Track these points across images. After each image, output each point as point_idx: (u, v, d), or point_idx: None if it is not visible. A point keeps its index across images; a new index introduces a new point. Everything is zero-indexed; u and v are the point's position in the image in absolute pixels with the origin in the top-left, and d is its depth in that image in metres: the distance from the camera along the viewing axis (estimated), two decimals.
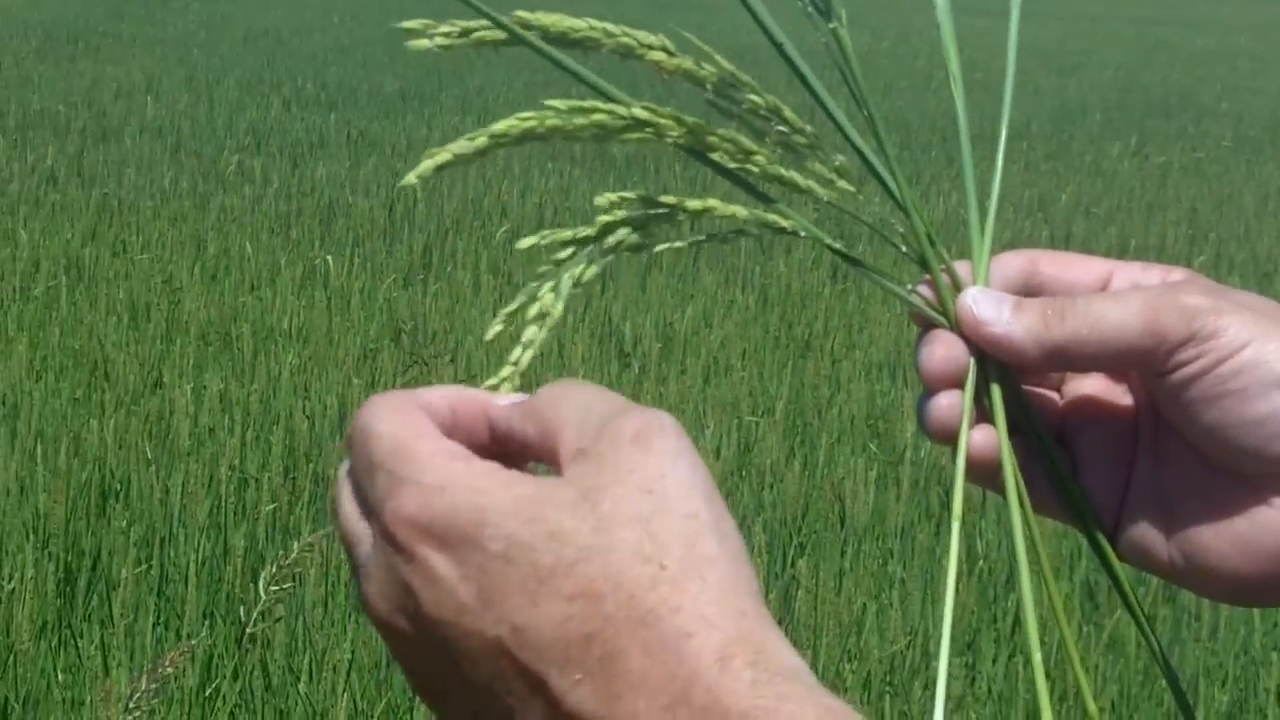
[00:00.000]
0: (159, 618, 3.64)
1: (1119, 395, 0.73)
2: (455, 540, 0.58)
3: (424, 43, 0.66)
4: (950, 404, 0.70)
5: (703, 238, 0.70)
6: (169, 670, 2.82)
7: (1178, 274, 0.71)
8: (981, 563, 4.10)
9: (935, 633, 3.71)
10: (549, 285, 0.66)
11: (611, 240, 0.67)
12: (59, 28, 16.68)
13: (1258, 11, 35.33)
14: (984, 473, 0.71)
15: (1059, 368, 0.71)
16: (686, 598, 0.55)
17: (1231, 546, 0.68)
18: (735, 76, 0.69)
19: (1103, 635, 3.72)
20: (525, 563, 0.56)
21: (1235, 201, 10.27)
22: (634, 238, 0.67)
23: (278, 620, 3.44)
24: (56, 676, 3.36)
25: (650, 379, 5.48)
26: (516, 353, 0.66)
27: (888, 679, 3.57)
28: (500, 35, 0.67)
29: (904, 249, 0.72)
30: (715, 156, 0.68)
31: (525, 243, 0.67)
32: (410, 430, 0.61)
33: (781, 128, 0.69)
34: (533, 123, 0.66)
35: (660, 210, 0.67)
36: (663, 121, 0.67)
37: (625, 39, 0.68)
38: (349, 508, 0.62)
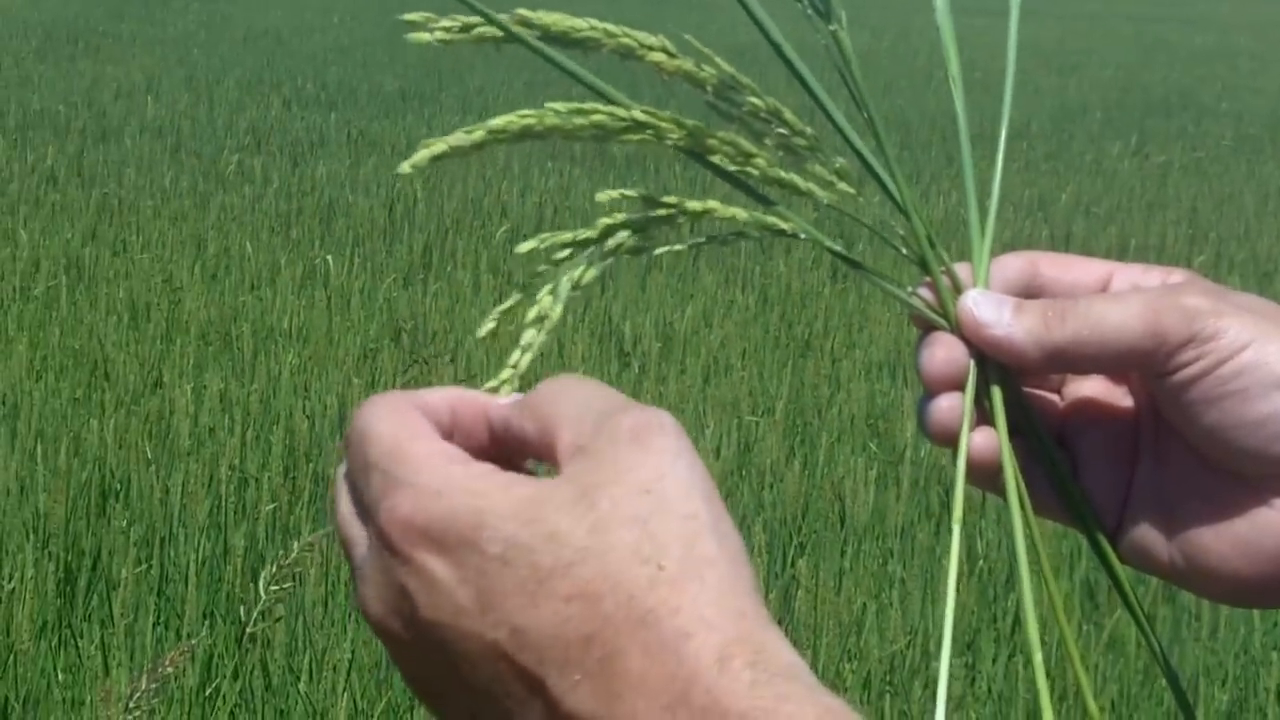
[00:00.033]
0: (159, 617, 3.64)
1: (1119, 397, 0.73)
2: (453, 543, 0.57)
3: (425, 36, 0.66)
4: (951, 406, 0.70)
5: (703, 240, 0.70)
6: (169, 670, 2.82)
7: (1178, 275, 0.71)
8: (981, 562, 4.11)
9: (935, 632, 3.71)
10: (547, 288, 0.66)
11: (611, 243, 0.67)
12: (59, 28, 16.68)
13: (1257, 10, 35.34)
14: (985, 475, 0.71)
15: (1060, 369, 0.71)
16: (685, 598, 0.55)
17: (1232, 548, 0.68)
18: (735, 79, 0.69)
19: (1103, 635, 3.72)
20: (524, 564, 0.56)
21: (1235, 201, 10.27)
22: (634, 240, 0.67)
23: (278, 620, 3.44)
24: (56, 676, 3.36)
25: (650, 379, 5.48)
26: (515, 355, 0.66)
27: (888, 678, 3.57)
28: (501, 32, 0.67)
29: (904, 251, 0.72)
30: (715, 159, 0.68)
31: (525, 246, 0.66)
32: (407, 432, 0.60)
33: (782, 130, 0.69)
34: (531, 121, 0.66)
35: (660, 211, 0.67)
36: (662, 124, 0.67)
37: (626, 40, 0.67)
38: (346, 509, 0.62)
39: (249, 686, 3.36)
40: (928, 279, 0.71)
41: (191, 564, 3.76)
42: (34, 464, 4.25)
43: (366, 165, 9.44)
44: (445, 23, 0.66)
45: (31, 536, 3.87)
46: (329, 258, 6.84)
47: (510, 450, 0.63)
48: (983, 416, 0.71)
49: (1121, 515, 0.72)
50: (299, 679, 3.35)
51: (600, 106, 0.66)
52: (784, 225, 0.69)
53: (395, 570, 0.59)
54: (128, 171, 8.73)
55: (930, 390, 0.71)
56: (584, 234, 0.67)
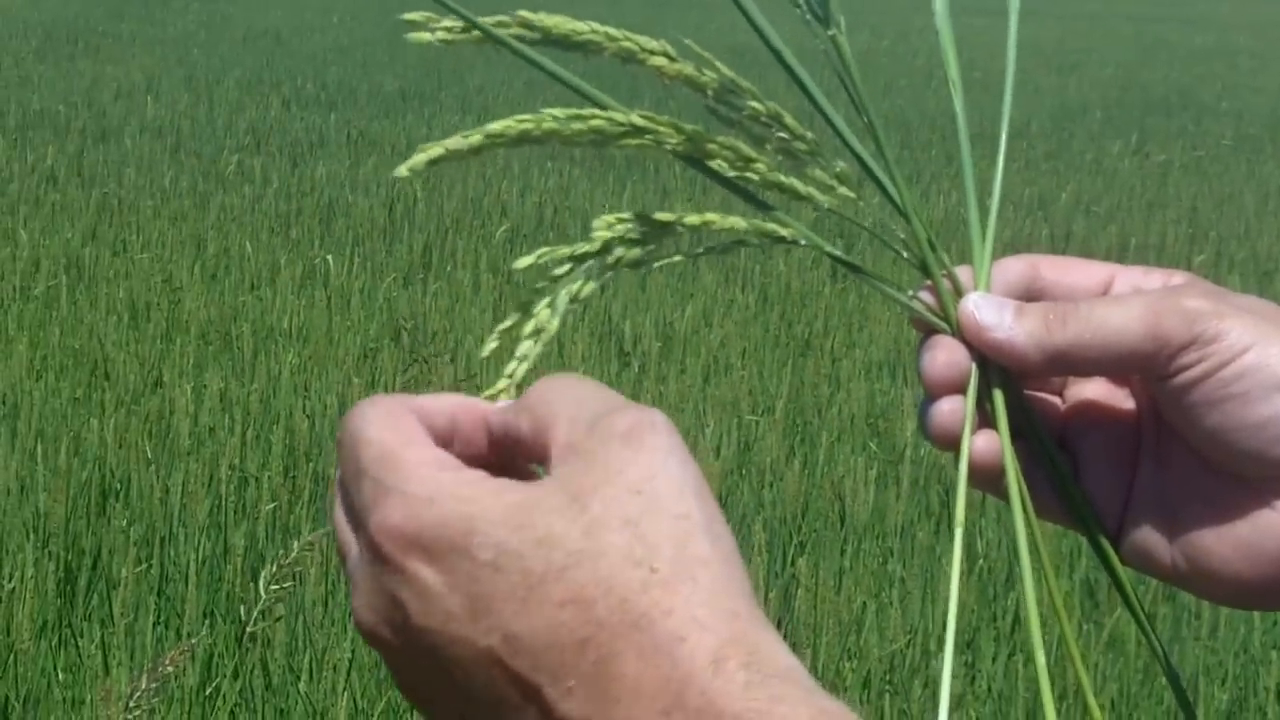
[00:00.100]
0: (159, 617, 3.64)
1: (1121, 399, 0.73)
2: (443, 551, 0.57)
3: (425, 36, 0.66)
4: (953, 409, 0.70)
5: (702, 250, 0.70)
6: (169, 669, 2.82)
7: (1179, 278, 0.71)
8: (981, 562, 4.11)
9: (935, 631, 3.72)
10: (545, 301, 0.66)
11: (611, 257, 0.67)
12: (59, 28, 16.68)
13: (1257, 9, 35.33)
14: (986, 478, 0.71)
15: (1061, 372, 0.71)
16: (678, 600, 0.55)
17: (1234, 550, 0.68)
18: (736, 83, 0.69)
19: (1103, 634, 3.72)
20: (515, 570, 0.56)
21: (1235, 200, 10.26)
22: (634, 253, 0.67)
23: (278, 619, 3.44)
24: (57, 676, 3.36)
25: (650, 378, 5.48)
26: (512, 365, 0.66)
27: (887, 678, 3.57)
28: (502, 33, 0.67)
29: (905, 254, 0.72)
30: (714, 164, 0.68)
31: (523, 262, 0.66)
32: (401, 437, 0.60)
33: (782, 134, 0.69)
34: (529, 125, 0.66)
35: (659, 226, 0.67)
36: (661, 129, 0.67)
37: (627, 44, 0.67)
38: (340, 515, 0.62)
39: (249, 686, 3.36)
40: (928, 282, 0.71)
41: (191, 563, 3.76)
42: (34, 463, 4.25)
43: (366, 165, 9.44)
44: (446, 23, 0.66)
45: (32, 536, 3.87)
46: (329, 257, 6.84)
47: (509, 454, 0.63)
48: (984, 419, 0.71)
49: (1123, 518, 0.72)
50: (299, 678, 3.35)
51: (599, 111, 0.66)
52: (784, 231, 0.69)
53: (386, 579, 0.58)
54: (128, 171, 8.73)
55: (932, 393, 0.71)
56: (583, 248, 0.67)
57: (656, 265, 0.68)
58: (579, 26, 0.67)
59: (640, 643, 0.54)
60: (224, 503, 4.15)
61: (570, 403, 0.60)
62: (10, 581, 3.58)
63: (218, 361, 5.39)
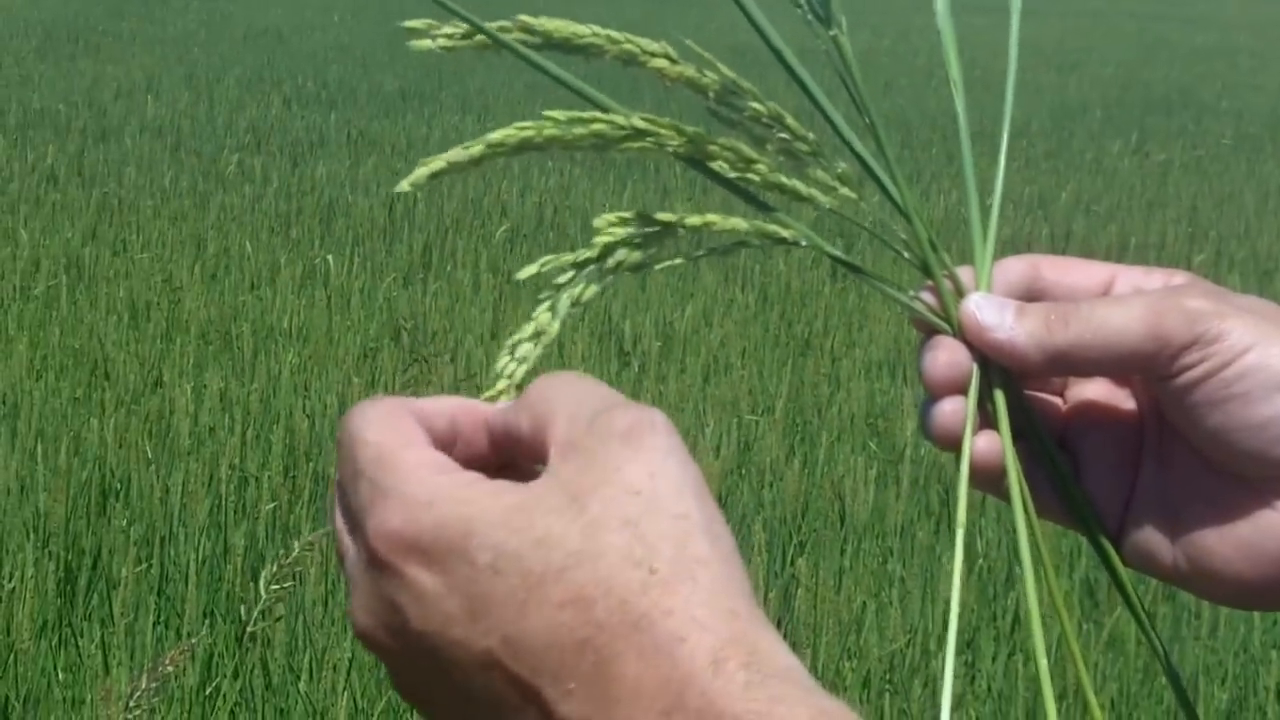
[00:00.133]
0: (159, 617, 3.64)
1: (1122, 400, 0.73)
2: (442, 554, 0.57)
3: (426, 43, 0.66)
4: (954, 410, 0.70)
5: (703, 252, 0.70)
6: (169, 669, 2.82)
7: (1180, 278, 0.71)
8: (981, 561, 4.11)
9: (935, 631, 3.72)
10: (546, 304, 0.66)
11: (612, 261, 0.67)
12: (59, 27, 16.68)
13: (1258, 9, 35.33)
14: (988, 478, 0.71)
15: (1063, 373, 0.71)
16: (678, 600, 0.55)
17: (1236, 550, 0.68)
18: (737, 84, 0.69)
19: (1102, 633, 3.72)
20: (514, 572, 0.56)
21: (1235, 199, 10.27)
22: (635, 256, 0.67)
23: (278, 619, 3.44)
24: (57, 675, 3.36)
25: (650, 378, 5.48)
26: (511, 367, 0.66)
27: (887, 677, 3.57)
28: (503, 38, 0.66)
29: (906, 255, 0.71)
30: (715, 165, 0.68)
31: (526, 272, 0.66)
32: (399, 439, 0.60)
33: (783, 135, 0.69)
34: (530, 132, 0.65)
35: (659, 228, 0.67)
36: (662, 131, 0.67)
37: (628, 46, 0.67)
38: (337, 517, 0.62)
39: (249, 686, 3.36)
40: (930, 283, 0.71)
41: (191, 563, 3.76)
42: (34, 463, 4.25)
43: (366, 165, 9.44)
44: (448, 29, 0.66)
45: (32, 536, 3.87)
46: (329, 257, 6.84)
47: (511, 454, 0.62)
48: (985, 420, 0.71)
49: (1124, 518, 0.72)
50: (299, 678, 3.35)
51: (599, 115, 0.66)
52: (785, 233, 0.69)
53: (384, 582, 0.58)
54: (128, 171, 8.73)
55: (933, 394, 0.70)
56: (584, 254, 0.66)
57: (658, 267, 0.68)
58: (580, 30, 0.67)
59: (640, 643, 0.54)
60: (224, 502, 4.15)
61: (570, 400, 0.60)
62: (10, 581, 3.58)
63: (218, 361, 5.39)
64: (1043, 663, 0.68)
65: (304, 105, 12.10)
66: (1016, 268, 0.72)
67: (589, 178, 9.36)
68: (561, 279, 0.66)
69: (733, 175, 0.68)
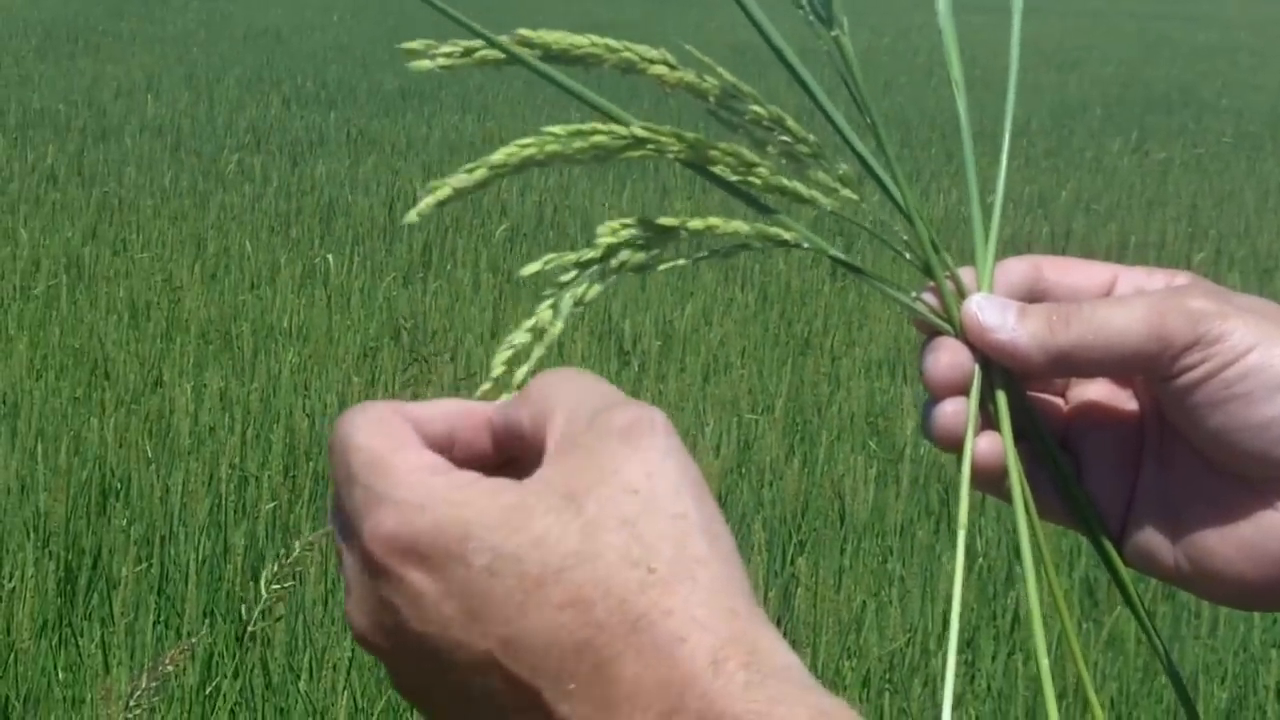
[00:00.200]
0: (159, 616, 3.64)
1: (1124, 400, 0.73)
2: (439, 558, 0.57)
3: (425, 64, 0.66)
4: (955, 411, 0.70)
5: (705, 254, 0.70)
6: (169, 668, 2.82)
7: (1182, 278, 0.71)
8: (981, 560, 4.11)
9: (934, 630, 3.72)
10: (547, 303, 0.66)
11: (615, 262, 0.67)
12: (59, 26, 16.68)
13: (1259, 7, 35.33)
14: (989, 479, 0.71)
15: (1064, 373, 0.71)
16: (677, 600, 0.55)
17: (1237, 551, 0.68)
18: (738, 88, 0.69)
19: (1102, 632, 3.72)
20: (511, 575, 0.55)
21: (1236, 198, 10.26)
22: (638, 257, 0.67)
23: (278, 619, 3.44)
24: (57, 675, 3.36)
25: (650, 377, 5.48)
26: (506, 363, 0.65)
27: (887, 676, 3.57)
28: (501, 54, 0.66)
29: (908, 256, 0.71)
30: (717, 169, 0.68)
31: (530, 269, 0.66)
32: (391, 442, 0.59)
33: (784, 138, 0.69)
34: (532, 150, 0.65)
35: (662, 232, 0.67)
36: (663, 139, 0.67)
37: (627, 54, 0.67)
38: (333, 521, 0.62)
39: (249, 685, 3.36)
40: (931, 284, 0.71)
41: (192, 563, 3.76)
42: (34, 463, 4.25)
43: (366, 164, 9.44)
44: (446, 48, 0.66)
45: (32, 535, 3.87)
46: (329, 256, 6.84)
47: (513, 450, 0.62)
48: (987, 421, 0.71)
49: (1126, 519, 0.72)
50: (299, 678, 3.35)
51: (600, 126, 0.66)
52: (786, 235, 0.69)
53: (380, 587, 0.58)
54: (128, 170, 8.73)
55: (935, 395, 0.70)
56: (588, 255, 0.66)
57: (660, 268, 0.68)
58: (578, 40, 0.67)
59: (639, 644, 0.54)
60: (224, 502, 4.15)
61: (570, 396, 0.60)
62: (10, 581, 3.58)
63: (218, 361, 5.39)
64: (1044, 662, 0.68)
65: (304, 105, 12.09)
66: (1018, 269, 0.72)
67: (589, 177, 9.36)
68: (564, 278, 0.66)
69: (734, 179, 0.69)
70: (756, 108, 0.69)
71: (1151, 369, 0.68)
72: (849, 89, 0.71)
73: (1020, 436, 0.71)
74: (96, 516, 4.06)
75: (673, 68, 0.68)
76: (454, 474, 0.59)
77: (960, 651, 3.67)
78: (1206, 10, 33.53)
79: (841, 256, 0.70)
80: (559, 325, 0.66)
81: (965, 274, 0.72)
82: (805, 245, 0.69)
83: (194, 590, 3.58)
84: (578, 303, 0.66)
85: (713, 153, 0.68)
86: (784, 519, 4.34)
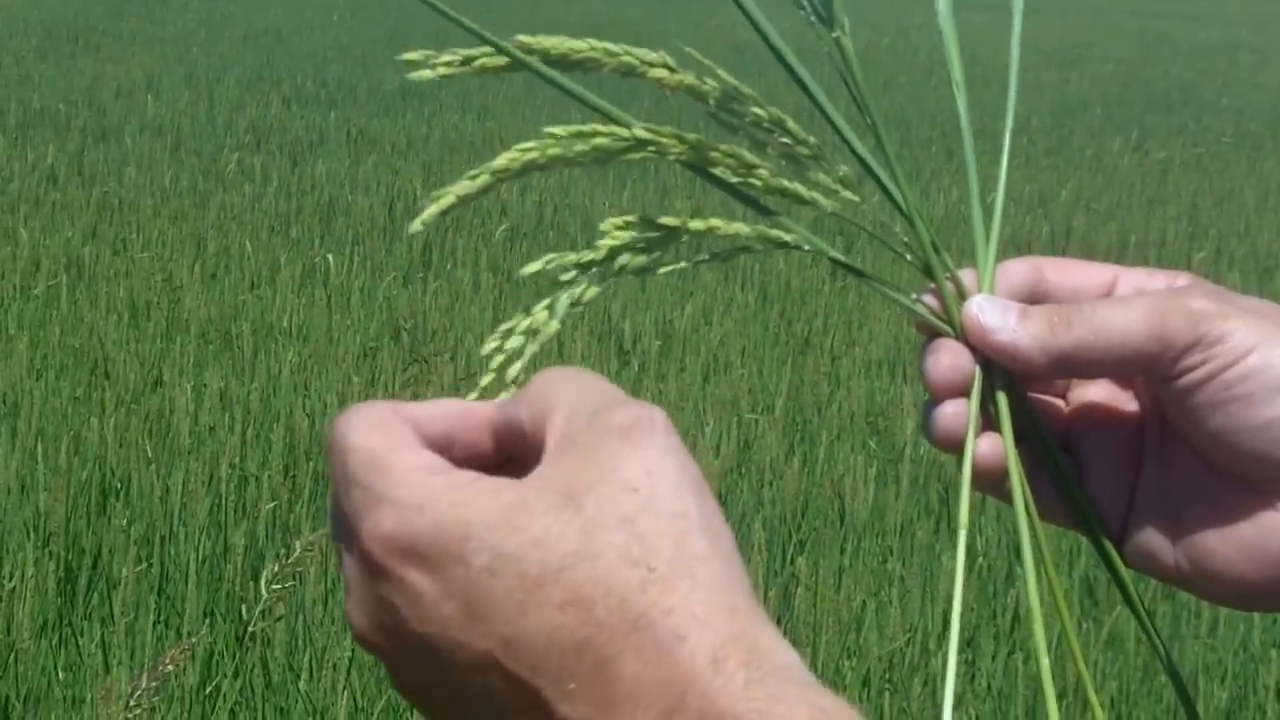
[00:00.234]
0: (159, 616, 3.64)
1: (1124, 401, 0.73)
2: (439, 558, 0.56)
3: (426, 74, 0.66)
4: (956, 412, 0.70)
5: (705, 257, 0.70)
6: (169, 668, 2.82)
7: (1183, 279, 0.71)
8: (981, 559, 4.11)
9: (934, 630, 3.72)
10: (544, 303, 0.66)
11: (617, 265, 0.67)
12: (59, 26, 16.68)
13: (1259, 6, 35.32)
14: (990, 480, 0.71)
15: (1065, 375, 0.71)
16: (677, 598, 0.55)
17: (1238, 552, 0.68)
18: (738, 90, 0.69)
19: (1102, 632, 3.72)
20: (511, 574, 0.55)
21: (1236, 197, 10.26)
22: (639, 260, 0.67)
23: (278, 619, 3.44)
24: (57, 675, 3.36)
25: (650, 377, 5.48)
26: (503, 363, 0.66)
27: (887, 676, 3.57)
28: (502, 61, 0.66)
29: (909, 257, 0.71)
30: (717, 171, 0.68)
31: (530, 269, 0.66)
32: (389, 442, 0.59)
33: (785, 139, 0.69)
34: (534, 154, 0.66)
35: (664, 233, 0.67)
36: (664, 140, 0.67)
37: (626, 58, 0.67)
38: (332, 524, 0.62)
39: (249, 685, 3.36)
40: (932, 285, 0.71)
41: (192, 563, 3.76)
42: (34, 463, 4.25)
43: (366, 164, 9.44)
44: (446, 57, 0.66)
45: (32, 535, 3.87)
46: (329, 256, 6.84)
47: (513, 449, 0.62)
48: (988, 422, 0.71)
49: (1126, 520, 0.72)
50: (299, 677, 3.35)
51: (600, 129, 0.66)
52: (787, 237, 0.69)
53: (380, 587, 0.58)
54: (128, 170, 8.73)
55: (935, 396, 0.70)
56: (589, 256, 0.67)
57: (661, 271, 0.68)
58: (576, 45, 0.67)
59: (640, 643, 0.54)
60: (224, 502, 4.15)
61: (571, 395, 0.60)
62: (10, 581, 3.58)
63: (218, 360, 5.39)
64: (1044, 661, 0.68)
65: (303, 104, 12.09)
66: (1019, 270, 0.72)
67: (589, 177, 9.35)
68: (564, 278, 0.66)
69: (735, 180, 0.69)
70: (757, 110, 0.69)
71: (1152, 370, 0.68)
72: (849, 89, 0.71)
73: (1021, 437, 0.71)
74: (96, 516, 4.06)
75: (673, 71, 0.68)
76: (453, 474, 0.58)
77: (960, 651, 3.67)
78: (1207, 8, 33.52)
79: (842, 259, 0.70)
80: (555, 325, 0.66)
81: (965, 275, 0.72)
82: (806, 247, 0.69)
83: (194, 590, 3.58)
84: (575, 303, 0.66)
85: (714, 154, 0.68)
86: (784, 518, 4.34)
